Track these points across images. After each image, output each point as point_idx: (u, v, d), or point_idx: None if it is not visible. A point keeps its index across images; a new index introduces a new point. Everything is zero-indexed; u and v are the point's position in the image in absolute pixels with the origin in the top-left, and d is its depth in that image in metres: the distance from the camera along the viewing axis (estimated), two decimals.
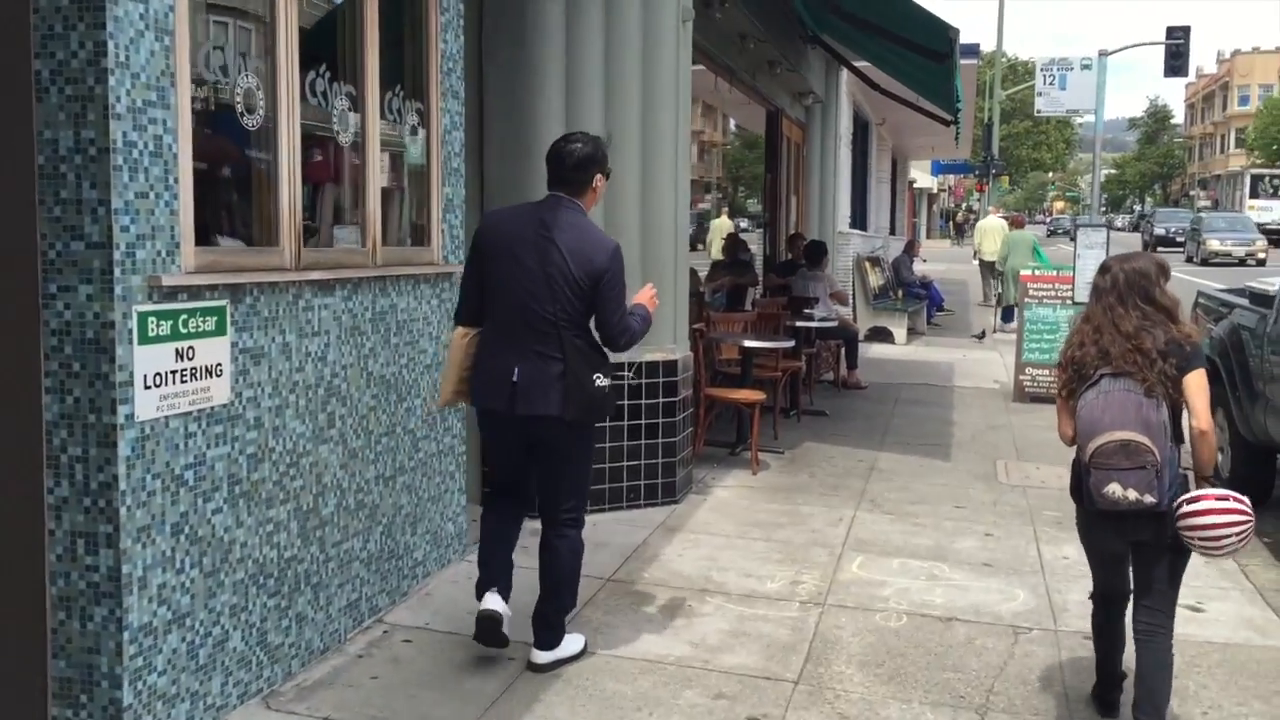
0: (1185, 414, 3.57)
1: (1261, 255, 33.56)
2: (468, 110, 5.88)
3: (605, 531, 5.87)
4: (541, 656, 4.16)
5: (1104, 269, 3.73)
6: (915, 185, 41.95)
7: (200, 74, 3.45)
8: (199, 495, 3.44)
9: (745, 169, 13.72)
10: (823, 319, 9.50)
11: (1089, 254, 9.21)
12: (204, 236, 3.45)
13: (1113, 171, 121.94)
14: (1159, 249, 40.30)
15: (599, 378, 4.01)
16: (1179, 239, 41.75)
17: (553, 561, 4.18)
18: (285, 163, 3.84)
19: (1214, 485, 3.53)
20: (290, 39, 3.84)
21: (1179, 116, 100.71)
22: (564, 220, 4.00)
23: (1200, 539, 3.41)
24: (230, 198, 3.89)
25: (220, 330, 3.49)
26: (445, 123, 5.04)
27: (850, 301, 14.83)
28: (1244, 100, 78.85)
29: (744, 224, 13.59)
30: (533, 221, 4.01)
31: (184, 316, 3.32)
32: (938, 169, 46.88)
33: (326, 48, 4.36)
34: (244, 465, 3.65)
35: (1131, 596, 3.72)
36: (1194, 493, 3.45)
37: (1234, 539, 3.40)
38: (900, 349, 14.62)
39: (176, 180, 3.29)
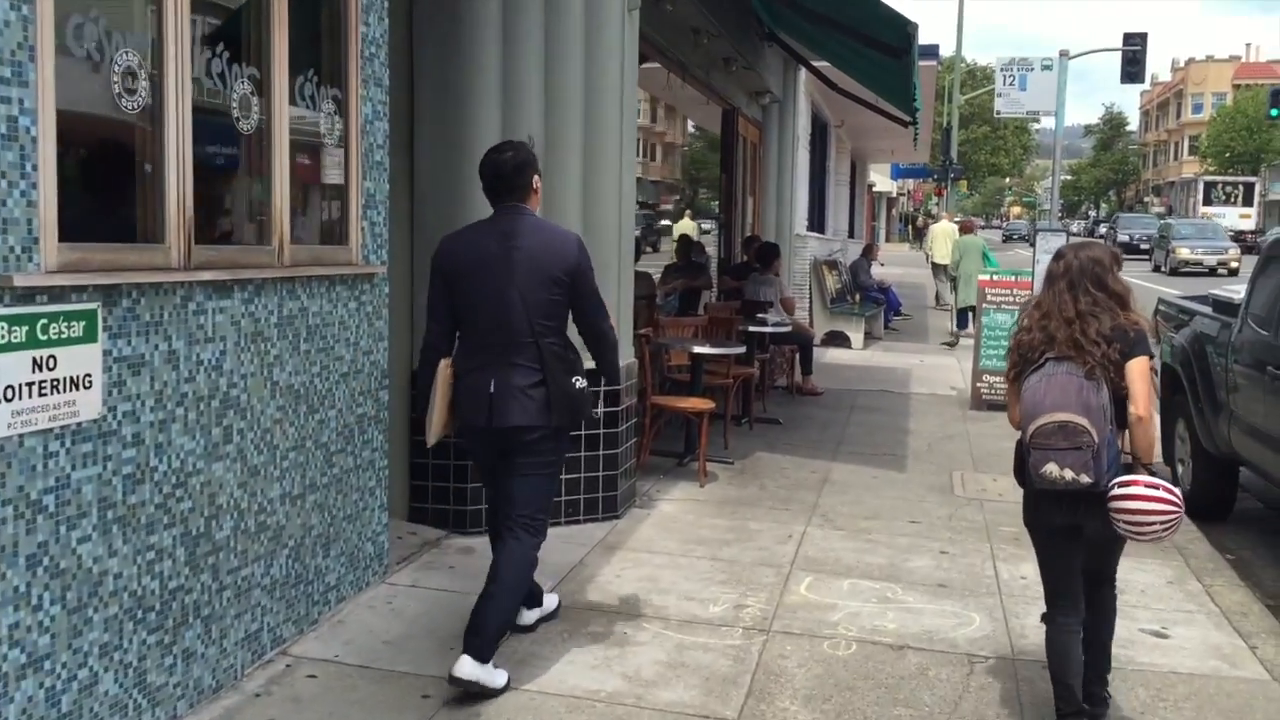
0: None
1: (1235, 264, 32.27)
2: (397, 101, 5.53)
3: (541, 550, 5.51)
4: (466, 668, 3.81)
5: (1059, 255, 3.78)
6: (874, 188, 41.93)
7: (68, 48, 3.07)
8: (61, 522, 3.05)
9: (706, 170, 13.44)
10: (776, 324, 9.20)
11: (1048, 259, 8.96)
12: (74, 232, 3.06)
13: (1068, 178, 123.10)
14: (1124, 252, 40.31)
15: (578, 380, 4.04)
16: (1143, 246, 40.82)
17: (504, 561, 4.07)
18: (173, 150, 3.46)
19: (1151, 472, 3.54)
20: (181, 12, 3.46)
21: (1134, 124, 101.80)
22: (524, 226, 4.04)
23: (1126, 522, 3.46)
24: (107, 189, 3.50)
25: (90, 337, 3.10)
26: (367, 112, 4.67)
27: (805, 307, 14.59)
28: (1198, 108, 79.76)
29: (707, 226, 13.31)
30: (494, 235, 4.03)
31: (43, 322, 2.94)
32: (897, 173, 46.91)
33: (227, 24, 3.99)
34: (119, 487, 3.26)
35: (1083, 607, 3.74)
36: (1126, 477, 3.46)
37: (1159, 526, 3.45)
38: (857, 354, 14.38)
39: (35, 167, 2.91)
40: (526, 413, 3.93)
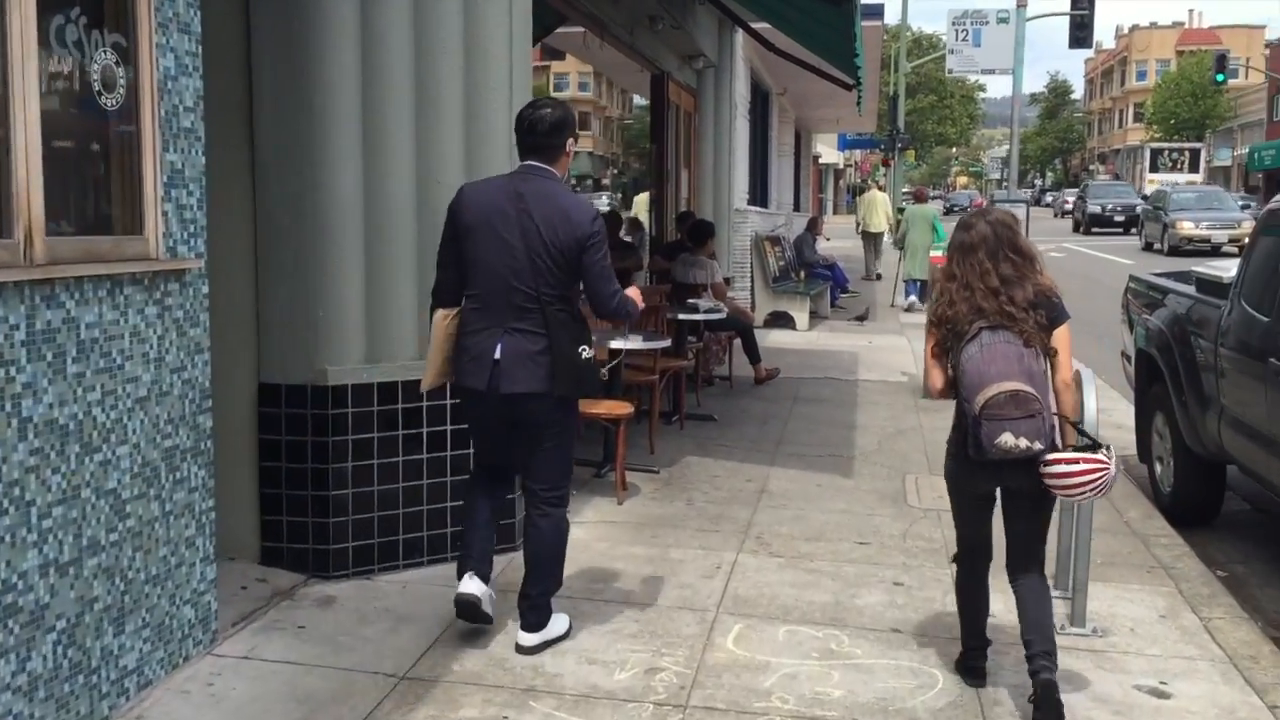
0: None
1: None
2: (231, 54, 4.56)
3: (415, 597, 4.59)
4: (528, 639, 4.09)
5: (967, 225, 3.77)
6: (821, 160, 41.16)
7: None
8: None
9: (646, 144, 12.50)
10: (709, 310, 8.28)
11: None
12: None
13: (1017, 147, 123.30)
14: (1093, 230, 38.05)
15: (584, 349, 3.97)
16: (1118, 218, 37.82)
17: (536, 541, 4.13)
18: None
19: (1081, 432, 3.76)
20: None
21: (1079, 92, 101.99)
22: (540, 190, 3.93)
23: (1058, 486, 3.57)
24: None
25: None
26: (167, 65, 3.68)
27: (747, 286, 13.71)
28: (1141, 75, 79.87)
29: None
30: (509, 194, 3.94)
31: None
32: (844, 143, 46.16)
33: None
34: None
35: (1007, 558, 3.84)
36: (1055, 454, 3.55)
37: (1090, 489, 3.56)
38: (802, 336, 13.53)
39: None
40: (534, 379, 3.87)
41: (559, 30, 9.49)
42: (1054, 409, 3.63)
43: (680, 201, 12.23)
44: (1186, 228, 27.46)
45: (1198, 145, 54.70)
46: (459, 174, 4.90)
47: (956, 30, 7.32)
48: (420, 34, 4.77)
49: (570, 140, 4.09)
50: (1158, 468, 6.68)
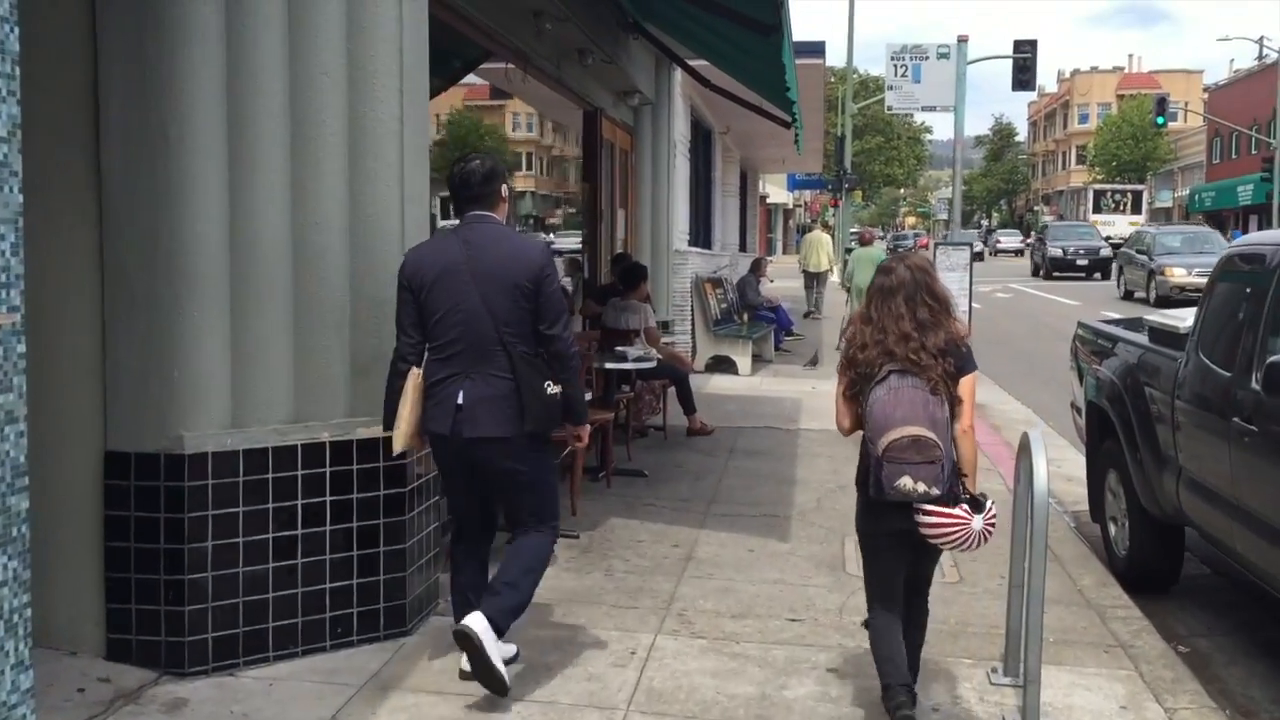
0: None
1: None
2: (73, 77, 4.03)
3: (283, 698, 4.02)
4: (476, 621, 3.88)
5: (888, 270, 3.87)
6: (768, 200, 41.06)
7: None
8: None
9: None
10: (638, 358, 7.79)
11: (950, 278, 7.75)
12: None
13: (961, 187, 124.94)
14: (1054, 275, 34.83)
15: (549, 385, 4.01)
16: (1080, 262, 35.11)
17: (516, 546, 4.16)
18: None
19: (971, 480, 3.78)
20: None
21: (1023, 134, 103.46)
22: (487, 234, 4.05)
23: (927, 534, 3.67)
24: None
25: None
26: None
27: (688, 330, 13.26)
28: (1084, 118, 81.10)
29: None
30: (458, 244, 4.04)
31: None
32: (794, 184, 46.25)
33: None
34: None
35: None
36: (932, 507, 3.62)
37: (952, 543, 3.68)
38: (744, 381, 13.07)
39: None
40: (498, 422, 3.93)
41: (485, 65, 9.03)
42: (953, 456, 3.71)
43: (616, 242, 11.78)
44: (1178, 275, 23.60)
45: (1140, 187, 55.38)
46: (341, 215, 4.40)
47: (895, 66, 7.03)
48: (296, 60, 4.28)
49: (504, 186, 4.18)
50: (1111, 529, 6.25)
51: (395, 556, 4.55)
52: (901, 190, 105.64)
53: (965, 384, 3.74)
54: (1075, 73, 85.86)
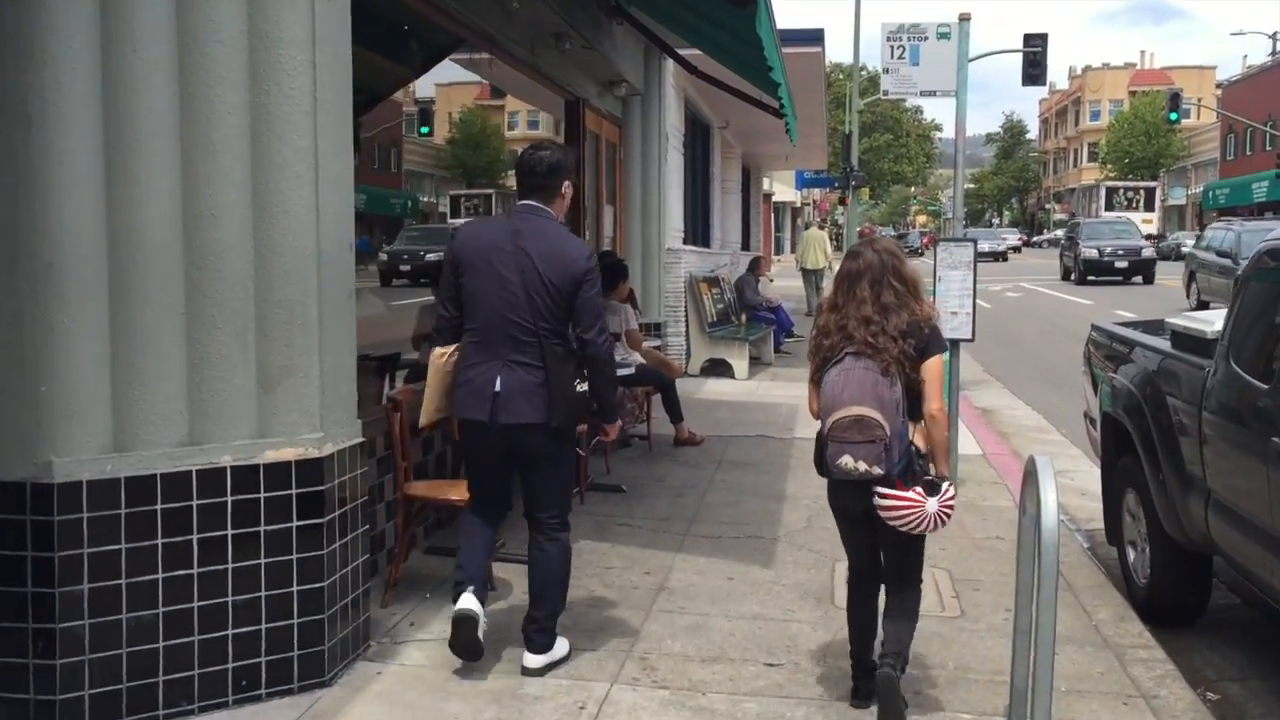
0: None
1: None
2: None
3: None
4: (534, 661, 4.21)
5: (855, 254, 3.94)
6: (774, 198, 40.44)
7: None
8: None
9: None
10: (619, 363, 7.19)
11: (951, 276, 7.15)
12: None
13: (971, 186, 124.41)
14: (1089, 280, 31.05)
15: (578, 383, 4.11)
16: (1119, 264, 31.11)
17: (543, 565, 4.26)
18: None
19: (941, 463, 3.81)
20: None
21: (1034, 132, 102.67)
22: (537, 228, 4.09)
23: (884, 515, 3.70)
24: None
25: None
26: None
27: (682, 332, 12.67)
28: (1095, 115, 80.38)
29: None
30: (507, 232, 4.10)
31: None
32: (802, 181, 45.59)
33: None
34: None
35: (883, 575, 3.99)
36: (883, 487, 3.67)
37: (907, 524, 3.69)
38: (740, 386, 12.47)
39: None
40: (533, 410, 4.01)
41: (461, 55, 8.46)
42: (909, 437, 3.77)
43: (604, 240, 11.19)
44: None
45: (1153, 184, 54.66)
46: (243, 206, 3.83)
47: (891, 47, 6.51)
48: (185, 26, 3.71)
49: (567, 182, 4.22)
50: (1130, 554, 5.65)
51: (312, 597, 3.98)
52: (912, 189, 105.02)
53: (930, 366, 3.78)
54: (1087, 69, 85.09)
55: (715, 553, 5.94)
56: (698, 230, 16.33)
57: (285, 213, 3.90)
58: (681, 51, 11.21)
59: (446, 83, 9.54)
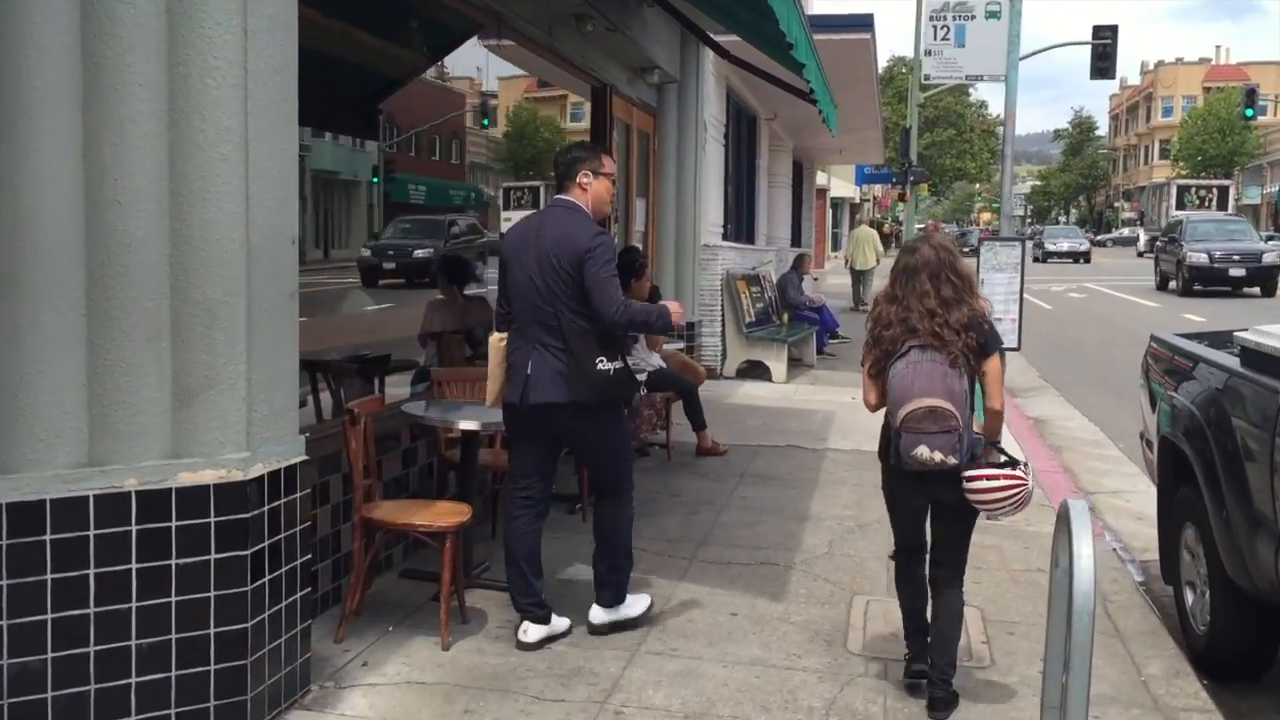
0: None
1: None
2: None
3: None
4: (600, 616, 4.56)
5: (912, 249, 4.02)
6: (829, 193, 39.61)
7: None
8: None
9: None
10: (634, 367, 6.61)
11: (996, 279, 6.53)
12: None
13: (1038, 183, 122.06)
14: (1195, 290, 26.31)
15: (601, 361, 4.27)
16: (1234, 271, 26.43)
17: (603, 518, 4.58)
18: None
19: (1000, 450, 3.95)
20: None
21: (1103, 128, 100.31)
22: (555, 217, 4.42)
23: (978, 500, 3.82)
24: None
25: None
26: None
27: (718, 333, 12.10)
28: (1168, 111, 78.19)
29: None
30: (534, 224, 4.47)
31: None
32: (862, 177, 44.71)
33: None
34: None
35: (929, 554, 4.09)
36: (976, 470, 3.80)
37: (1008, 504, 3.82)
38: (776, 389, 11.85)
39: None
40: (558, 390, 4.24)
41: (486, 40, 7.95)
42: (975, 428, 3.87)
43: (633, 235, 10.66)
44: None
45: (1226, 182, 52.84)
46: (157, 193, 3.36)
47: (935, 27, 5.96)
48: (88, 22, 3.22)
49: (584, 172, 4.45)
50: (1189, 596, 5.00)
51: (232, 640, 3.49)
52: (976, 185, 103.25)
53: (992, 364, 3.90)
54: (1159, 64, 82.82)
55: (722, 582, 5.38)
56: (741, 226, 15.73)
57: (205, 201, 3.40)
58: (719, 38, 10.65)
59: (508, 75, 9.54)
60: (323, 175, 6.91)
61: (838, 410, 10.42)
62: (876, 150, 25.75)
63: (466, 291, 7.45)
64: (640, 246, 9.98)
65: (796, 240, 23.29)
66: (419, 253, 7.14)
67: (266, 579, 3.60)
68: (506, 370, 4.41)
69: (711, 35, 10.33)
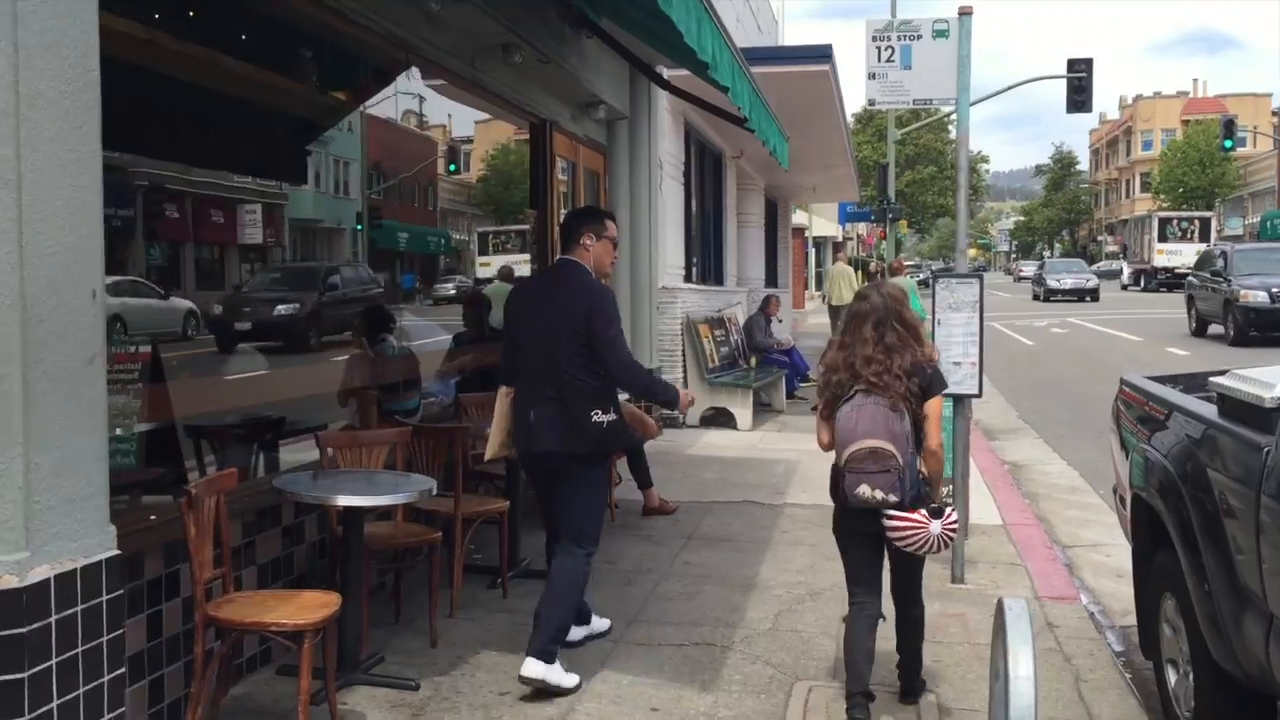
0: None
1: None
2: None
3: None
4: (532, 668, 4.38)
5: (864, 296, 4.34)
6: (811, 232, 39.23)
7: None
8: None
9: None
10: None
11: (953, 320, 5.97)
12: None
13: (1021, 218, 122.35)
14: (1251, 336, 20.26)
15: (596, 414, 4.52)
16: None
17: (556, 570, 4.64)
18: None
19: (937, 492, 4.30)
20: None
21: (1084, 163, 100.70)
22: (558, 276, 4.78)
23: (891, 536, 4.05)
24: None
25: None
26: None
27: (680, 378, 11.51)
28: (1147, 145, 78.42)
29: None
30: (540, 284, 5.15)
31: None
32: (845, 216, 44.42)
33: None
34: None
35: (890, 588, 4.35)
36: (894, 511, 4.00)
37: (911, 545, 4.03)
38: (740, 438, 11.26)
39: None
40: (554, 439, 4.53)
41: (431, 80, 7.43)
42: (918, 467, 4.14)
43: None
44: None
45: (1208, 214, 52.62)
46: None
47: (878, 48, 5.48)
48: None
49: (587, 234, 4.73)
50: (1170, 676, 4.39)
51: None
52: None
53: (931, 405, 4.14)
54: (1138, 98, 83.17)
55: (647, 669, 4.76)
56: (707, 267, 15.21)
57: None
58: (669, 72, 10.16)
59: (484, 119, 9.36)
60: (302, 223, 6.66)
61: (802, 460, 9.82)
62: (851, 188, 25.34)
63: (383, 345, 6.89)
64: None
65: (772, 280, 22.80)
66: (283, 309, 6.37)
67: (54, 704, 2.98)
68: (510, 421, 4.74)
69: (658, 70, 9.83)
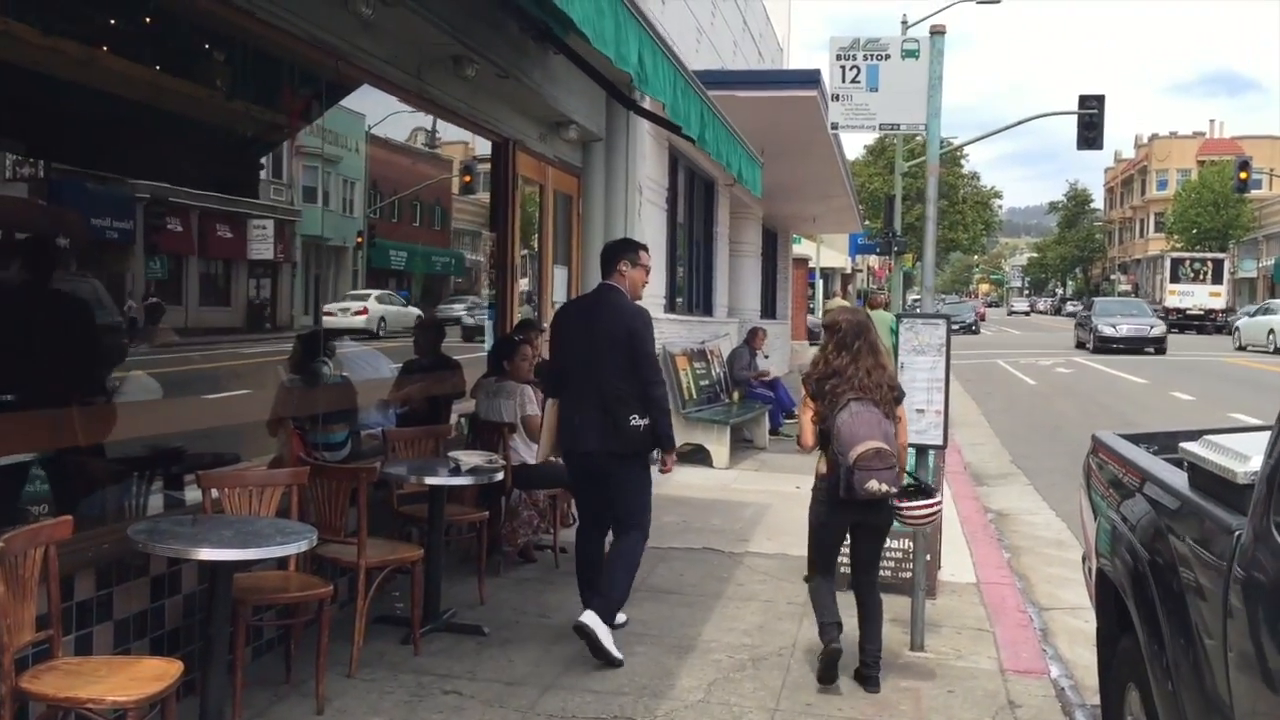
0: None
1: None
2: None
3: None
4: (588, 618, 5.10)
5: (836, 324, 5.05)
6: (815, 263, 38.78)
7: None
8: None
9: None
10: (474, 469, 5.53)
11: (918, 362, 5.49)
12: None
13: (1034, 255, 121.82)
14: None
15: (633, 418, 5.22)
16: None
17: (614, 550, 5.40)
18: None
19: (912, 479, 5.07)
20: None
21: (1099, 201, 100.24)
22: (602, 300, 5.50)
23: (914, 520, 4.93)
24: None
25: None
26: None
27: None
28: (1162, 184, 77.91)
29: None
30: (585, 307, 5.68)
31: None
32: (855, 248, 44.04)
33: None
34: None
35: (853, 570, 5.18)
36: (908, 501, 4.85)
37: (933, 519, 5.09)
38: (714, 477, 10.75)
39: None
40: (596, 440, 5.24)
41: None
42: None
43: (552, 305, 9.64)
44: None
45: (1221, 255, 51.99)
46: None
47: (843, 68, 5.12)
48: None
49: (624, 263, 5.52)
50: None
51: None
52: (975, 257, 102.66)
53: (901, 410, 4.99)
54: (1154, 138, 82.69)
55: None
56: (694, 297, 14.74)
57: None
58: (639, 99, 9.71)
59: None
60: (312, 240, 6.88)
61: (774, 503, 9.31)
62: (852, 219, 24.88)
63: (313, 372, 6.42)
64: (536, 320, 8.96)
65: (770, 311, 22.33)
66: None
67: None
68: (558, 425, 5.40)
69: (626, 92, 9.40)
